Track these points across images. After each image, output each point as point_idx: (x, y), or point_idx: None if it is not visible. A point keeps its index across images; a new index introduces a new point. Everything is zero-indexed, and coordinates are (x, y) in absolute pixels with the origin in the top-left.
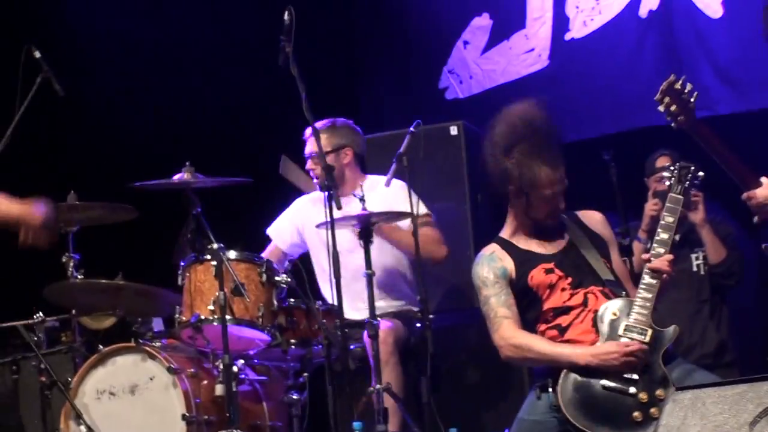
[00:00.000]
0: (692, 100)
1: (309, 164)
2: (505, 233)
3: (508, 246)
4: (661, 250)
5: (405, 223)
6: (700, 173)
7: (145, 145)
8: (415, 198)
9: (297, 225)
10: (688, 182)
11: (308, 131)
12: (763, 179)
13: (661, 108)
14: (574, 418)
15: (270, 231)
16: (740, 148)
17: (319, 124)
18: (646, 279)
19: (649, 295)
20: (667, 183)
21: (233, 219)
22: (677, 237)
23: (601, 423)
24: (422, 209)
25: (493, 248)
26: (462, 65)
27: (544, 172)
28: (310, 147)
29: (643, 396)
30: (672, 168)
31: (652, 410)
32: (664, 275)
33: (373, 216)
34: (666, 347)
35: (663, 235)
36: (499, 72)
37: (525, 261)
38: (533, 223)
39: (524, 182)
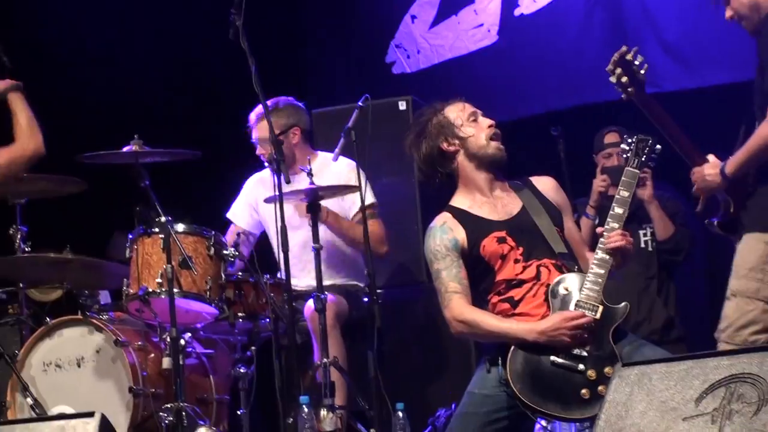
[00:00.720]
0: (642, 72)
1: (258, 150)
2: (455, 200)
3: (459, 214)
4: (615, 225)
5: (351, 213)
6: (658, 146)
7: (94, 119)
8: (364, 182)
9: (251, 204)
10: (645, 156)
11: (253, 117)
12: (710, 156)
13: (612, 79)
14: (522, 394)
15: (229, 215)
16: (687, 125)
17: (259, 111)
18: (599, 254)
19: (602, 271)
20: (624, 156)
21: (182, 192)
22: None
23: (549, 399)
24: (370, 198)
25: (444, 218)
26: (409, 40)
27: (448, 104)
28: (257, 133)
29: (591, 373)
30: (630, 141)
31: (600, 388)
32: (625, 249)
33: (321, 190)
34: (616, 324)
35: (618, 210)
36: (447, 47)
37: (477, 229)
38: (483, 168)
39: (445, 126)
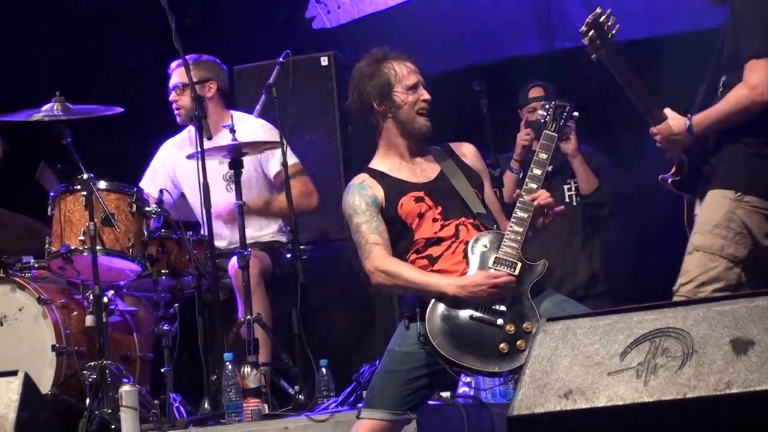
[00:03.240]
0: (613, 33)
1: (172, 95)
2: (374, 163)
3: (377, 175)
4: (534, 186)
5: (274, 169)
6: (575, 113)
7: (13, 77)
8: (285, 142)
9: (167, 171)
10: (563, 121)
11: (173, 64)
12: (667, 111)
13: (585, 41)
14: (441, 347)
15: (142, 184)
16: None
17: (180, 59)
18: (518, 213)
19: (520, 229)
20: (542, 120)
21: (104, 149)
22: (550, 168)
23: (467, 352)
24: (292, 159)
25: (363, 177)
26: None
27: (397, 63)
28: (176, 78)
29: (510, 328)
30: (548, 106)
31: (519, 342)
32: (554, 208)
33: (243, 146)
34: (535, 281)
35: (536, 171)
36: (366, 2)
37: (394, 189)
38: (406, 138)
39: (377, 81)
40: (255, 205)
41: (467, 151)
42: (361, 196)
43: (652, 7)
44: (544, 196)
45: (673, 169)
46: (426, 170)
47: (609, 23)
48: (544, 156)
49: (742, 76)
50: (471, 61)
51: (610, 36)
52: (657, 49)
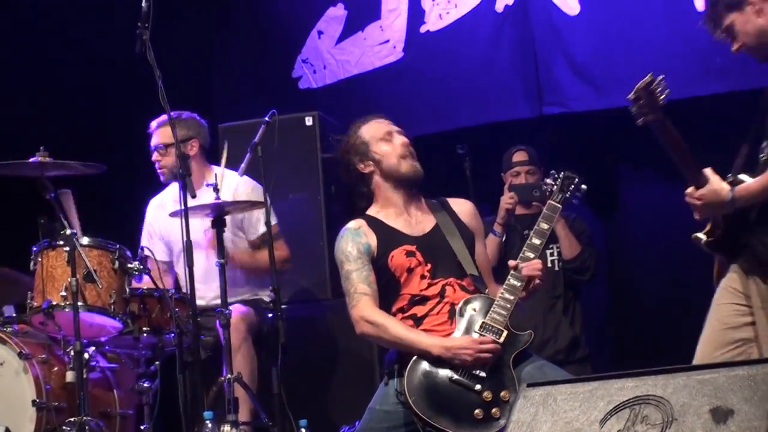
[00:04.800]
0: (663, 97)
1: (155, 156)
2: (371, 210)
3: (373, 222)
4: (531, 255)
5: (254, 235)
6: (584, 186)
7: None
8: (269, 202)
9: (152, 232)
10: (569, 193)
11: (154, 124)
12: (710, 175)
13: (633, 108)
14: (416, 405)
15: (143, 243)
16: (593, 143)
17: (161, 119)
18: (511, 281)
19: (511, 297)
20: (549, 190)
21: (87, 205)
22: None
23: (442, 414)
24: (272, 219)
25: (359, 223)
26: (316, 55)
27: (367, 122)
28: (157, 139)
29: (487, 395)
30: (556, 176)
31: (494, 410)
32: (536, 280)
33: (226, 205)
34: (518, 351)
35: (535, 241)
36: (353, 63)
37: (388, 239)
38: (398, 186)
39: (352, 143)
40: (238, 258)
41: (464, 209)
42: (354, 243)
43: (644, 73)
44: (531, 267)
45: (707, 229)
46: (421, 222)
47: (659, 89)
48: (545, 226)
49: None
50: (457, 124)
51: (659, 101)
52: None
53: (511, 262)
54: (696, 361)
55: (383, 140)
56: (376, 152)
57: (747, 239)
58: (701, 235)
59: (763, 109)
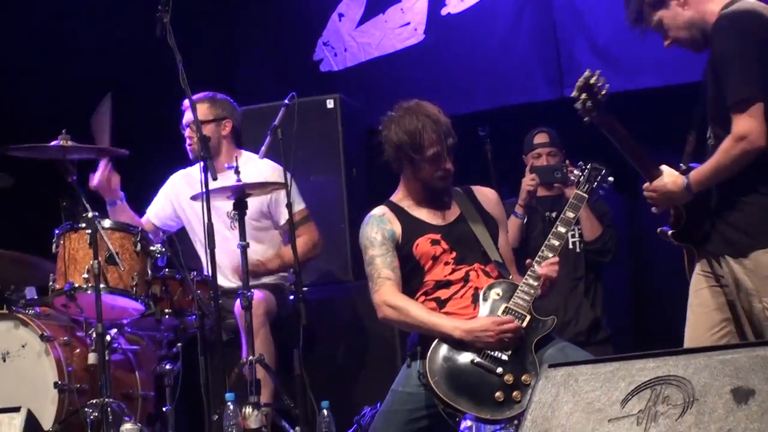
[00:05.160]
0: (603, 93)
1: (187, 132)
2: (396, 197)
3: (397, 210)
4: (556, 243)
5: (282, 220)
6: (611, 178)
7: (21, 112)
8: (293, 186)
9: (171, 200)
10: (596, 183)
11: (187, 102)
12: (664, 168)
13: (578, 105)
14: (437, 386)
15: (148, 211)
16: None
17: (199, 96)
18: (536, 267)
19: (535, 283)
20: (576, 180)
21: None
22: (554, 214)
23: (462, 396)
24: (299, 204)
25: (383, 210)
26: (337, 37)
27: (426, 132)
28: (190, 115)
29: (508, 378)
30: (584, 167)
31: (515, 393)
32: (552, 275)
33: (248, 187)
34: (541, 336)
35: (561, 229)
36: (374, 45)
37: (412, 228)
38: (424, 189)
39: (407, 142)
40: (271, 266)
41: (488, 198)
42: (379, 229)
43: (663, 57)
44: (547, 269)
45: (671, 221)
46: (445, 212)
47: (599, 84)
48: (571, 215)
49: (730, 127)
50: (477, 106)
51: (600, 97)
52: (671, 99)
53: (528, 261)
54: (687, 345)
55: (430, 160)
56: (419, 164)
57: (712, 223)
58: (666, 229)
59: (703, 96)
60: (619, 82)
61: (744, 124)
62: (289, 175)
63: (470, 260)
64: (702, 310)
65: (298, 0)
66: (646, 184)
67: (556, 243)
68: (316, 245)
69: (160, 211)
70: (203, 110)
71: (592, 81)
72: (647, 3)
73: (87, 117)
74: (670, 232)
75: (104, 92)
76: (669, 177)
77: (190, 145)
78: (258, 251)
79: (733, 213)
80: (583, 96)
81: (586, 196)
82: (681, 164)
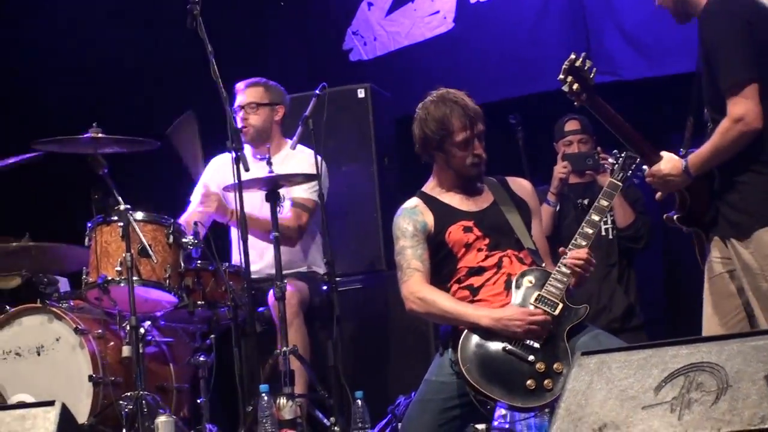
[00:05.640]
0: (592, 76)
1: (241, 114)
2: (427, 187)
3: (429, 200)
4: (590, 231)
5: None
6: (645, 167)
7: (53, 106)
8: (325, 173)
9: (211, 187)
10: (630, 171)
11: (241, 84)
12: (664, 153)
13: (564, 88)
14: (469, 374)
15: (192, 199)
16: (646, 113)
17: (252, 80)
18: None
19: (568, 271)
20: (610, 169)
21: (141, 180)
22: (587, 201)
23: (494, 383)
24: (309, 196)
25: (415, 202)
26: (366, 27)
27: (455, 117)
28: (247, 98)
29: (540, 366)
30: (619, 156)
31: (546, 381)
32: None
33: (280, 179)
34: (573, 324)
35: (594, 217)
36: (403, 34)
37: (445, 215)
38: (456, 176)
39: (436, 130)
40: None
41: (523, 187)
42: (411, 220)
43: (694, 42)
44: (578, 257)
45: (677, 206)
46: (478, 198)
47: (585, 67)
48: (605, 203)
49: (726, 109)
50: (508, 94)
51: (589, 80)
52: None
53: (561, 249)
54: (705, 333)
55: (460, 145)
56: (450, 151)
57: (716, 206)
58: (672, 214)
59: (698, 79)
60: (649, 68)
61: (740, 106)
62: (324, 166)
63: (503, 246)
64: (716, 299)
65: None
66: (647, 170)
67: (590, 231)
68: (287, 227)
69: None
70: (258, 93)
71: (578, 64)
72: None
73: (116, 109)
74: (675, 216)
75: (134, 85)
76: (668, 161)
77: (244, 127)
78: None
79: (733, 194)
80: (569, 79)
81: (621, 184)
82: (681, 149)
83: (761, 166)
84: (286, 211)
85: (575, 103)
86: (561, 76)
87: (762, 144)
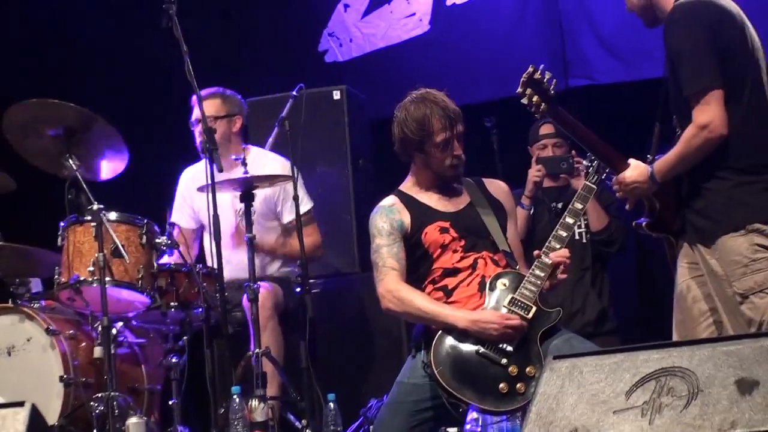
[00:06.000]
0: (552, 88)
1: (198, 128)
2: (405, 186)
3: (407, 199)
4: (564, 234)
5: (287, 218)
6: None
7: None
8: (303, 189)
9: (186, 199)
10: (605, 174)
11: (196, 97)
12: (631, 161)
13: (524, 101)
14: (441, 376)
15: (173, 219)
16: (621, 117)
17: (209, 90)
18: (544, 258)
19: (542, 274)
20: (585, 171)
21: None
22: (561, 205)
23: (466, 386)
24: (307, 204)
25: (392, 200)
26: (342, 28)
27: (435, 118)
28: (199, 112)
29: (513, 369)
30: (592, 158)
31: (519, 385)
32: (561, 269)
33: (255, 180)
34: (546, 327)
35: (569, 220)
36: (379, 36)
37: (422, 215)
38: (435, 177)
39: (415, 130)
40: (268, 244)
41: (498, 189)
42: (388, 218)
43: None
44: (559, 255)
45: (646, 212)
46: (455, 199)
47: (545, 79)
48: (579, 206)
49: (691, 115)
50: (483, 96)
51: (548, 91)
52: None
53: (536, 252)
54: (676, 339)
55: (439, 146)
56: (429, 152)
57: (683, 212)
58: (641, 221)
59: (665, 85)
60: (624, 73)
61: (705, 113)
62: (296, 171)
63: (479, 248)
64: (686, 304)
65: None
66: (613, 180)
67: (564, 234)
68: (319, 247)
69: (186, 217)
70: (215, 106)
71: (537, 76)
72: None
73: (94, 109)
74: (645, 223)
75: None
76: (634, 169)
77: (203, 141)
78: (265, 239)
79: (699, 201)
80: (528, 91)
81: (595, 187)
82: (648, 155)
83: (726, 173)
84: (288, 220)
85: (536, 116)
86: (519, 89)
87: (727, 150)
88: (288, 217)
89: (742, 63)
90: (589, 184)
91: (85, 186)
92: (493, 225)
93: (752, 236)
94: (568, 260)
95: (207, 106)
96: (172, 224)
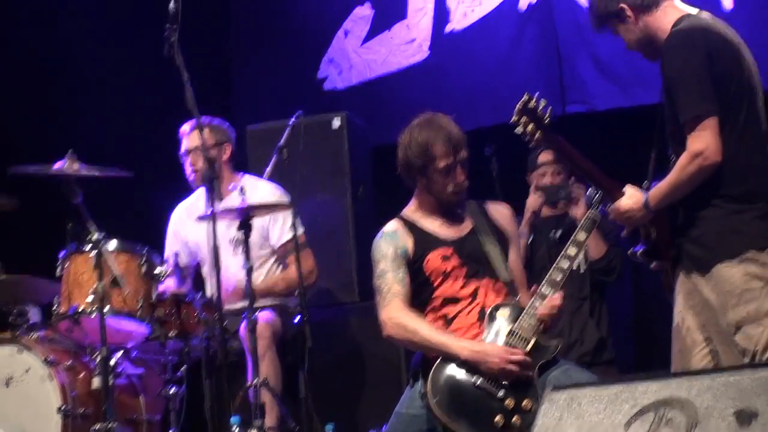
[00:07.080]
0: (547, 116)
1: (189, 159)
2: (408, 210)
3: (409, 225)
4: (565, 265)
5: (279, 242)
6: None
7: (27, 133)
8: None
9: (178, 236)
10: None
11: (186, 128)
12: (627, 188)
13: (518, 129)
14: (437, 407)
15: (167, 254)
16: (618, 143)
17: (193, 123)
18: (543, 290)
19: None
20: (589, 202)
21: (115, 208)
22: (558, 234)
23: (462, 418)
24: (299, 229)
25: (395, 226)
26: (342, 55)
27: (438, 143)
28: (190, 142)
29: (509, 402)
30: (597, 189)
31: (514, 418)
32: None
33: (252, 209)
34: (544, 360)
35: (570, 251)
36: (379, 62)
37: (424, 242)
38: (437, 202)
39: (418, 155)
40: (261, 288)
41: (502, 213)
42: (392, 244)
43: None
44: (551, 304)
45: (642, 241)
46: (458, 225)
47: (540, 107)
48: (582, 237)
49: (686, 142)
50: (481, 122)
51: (543, 119)
52: None
53: (534, 287)
54: (674, 369)
55: (442, 172)
56: (431, 177)
57: (679, 241)
58: (637, 249)
59: (665, 117)
60: (621, 98)
61: (699, 140)
62: (289, 198)
63: (480, 275)
64: (684, 334)
65: (303, 16)
66: (608, 208)
67: (566, 265)
68: (312, 272)
69: (181, 254)
70: (204, 136)
71: (531, 105)
72: (609, 19)
73: (95, 137)
74: (640, 251)
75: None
76: (629, 197)
77: (193, 172)
78: (259, 279)
79: (693, 229)
80: (523, 120)
81: (599, 218)
82: (644, 183)
83: (721, 201)
84: (278, 243)
85: (531, 145)
86: (514, 118)
87: (721, 178)
88: (278, 241)
89: (738, 90)
90: (593, 214)
91: (86, 214)
92: (494, 252)
93: (746, 265)
94: (558, 309)
95: (194, 138)
96: (175, 254)
